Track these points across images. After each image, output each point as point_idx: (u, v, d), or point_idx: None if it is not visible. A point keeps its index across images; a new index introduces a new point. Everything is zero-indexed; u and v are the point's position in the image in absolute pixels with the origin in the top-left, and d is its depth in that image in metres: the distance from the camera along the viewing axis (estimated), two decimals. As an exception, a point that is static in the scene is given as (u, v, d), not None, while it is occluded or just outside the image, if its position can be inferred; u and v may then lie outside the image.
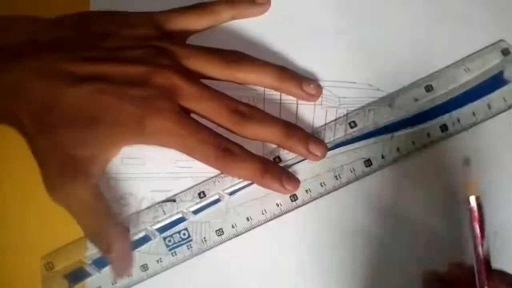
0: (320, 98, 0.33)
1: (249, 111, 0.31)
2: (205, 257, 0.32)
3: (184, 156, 0.32)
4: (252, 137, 0.31)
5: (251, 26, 0.34)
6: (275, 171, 0.31)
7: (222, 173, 0.32)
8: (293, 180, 0.31)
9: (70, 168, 0.28)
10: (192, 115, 0.31)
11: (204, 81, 0.31)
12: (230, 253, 0.32)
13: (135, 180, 0.33)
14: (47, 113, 0.28)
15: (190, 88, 0.30)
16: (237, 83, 0.32)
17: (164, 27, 0.32)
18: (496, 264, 0.28)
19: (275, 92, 0.33)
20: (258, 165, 0.30)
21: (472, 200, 0.28)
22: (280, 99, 0.33)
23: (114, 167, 0.32)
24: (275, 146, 0.32)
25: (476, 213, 0.28)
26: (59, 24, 0.31)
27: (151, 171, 0.33)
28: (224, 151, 0.30)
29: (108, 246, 0.30)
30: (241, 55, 0.32)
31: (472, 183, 0.29)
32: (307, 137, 0.32)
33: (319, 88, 0.33)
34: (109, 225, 0.30)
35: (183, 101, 0.30)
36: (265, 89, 0.33)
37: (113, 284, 0.32)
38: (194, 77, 0.31)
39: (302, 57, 0.34)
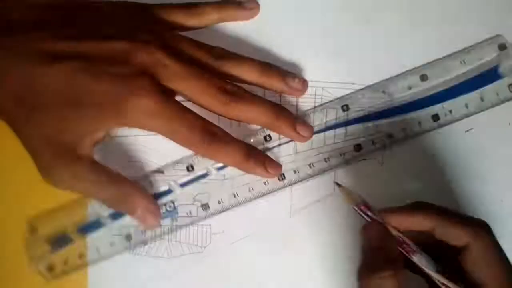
0: (320, 99, 0.33)
1: (238, 91, 0.30)
2: (205, 257, 0.32)
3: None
4: (240, 118, 0.30)
5: (249, 26, 0.34)
6: (258, 157, 0.31)
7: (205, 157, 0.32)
8: (276, 165, 0.31)
9: (61, 153, 0.28)
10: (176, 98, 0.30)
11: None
12: (230, 253, 0.32)
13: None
14: (27, 96, 0.27)
15: (176, 66, 0.28)
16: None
17: (151, 12, 0.31)
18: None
19: (274, 92, 0.33)
20: (242, 150, 0.30)
21: (356, 209, 0.27)
22: (280, 99, 0.33)
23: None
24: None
25: (368, 211, 0.27)
26: (34, 3, 0.29)
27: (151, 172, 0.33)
28: (209, 134, 0.29)
29: (131, 207, 0.30)
30: (225, 50, 0.31)
31: (345, 193, 0.28)
32: (294, 118, 0.31)
33: (304, 82, 0.32)
34: (122, 189, 0.30)
35: (167, 80, 0.28)
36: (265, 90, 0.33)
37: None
38: (180, 54, 0.29)
39: (301, 57, 0.34)
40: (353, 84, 0.33)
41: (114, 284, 0.32)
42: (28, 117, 0.27)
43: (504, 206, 0.32)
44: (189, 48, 0.30)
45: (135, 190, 0.30)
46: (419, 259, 0.26)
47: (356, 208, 0.27)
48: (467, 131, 0.33)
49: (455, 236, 0.25)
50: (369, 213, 0.27)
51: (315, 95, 0.33)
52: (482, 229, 0.25)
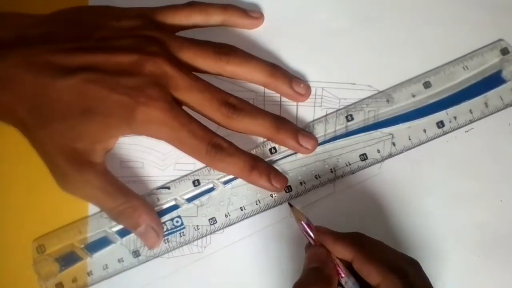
0: (320, 99, 0.33)
1: (240, 104, 0.30)
2: (205, 257, 0.32)
3: (184, 159, 0.32)
4: (242, 130, 0.31)
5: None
6: (262, 168, 0.31)
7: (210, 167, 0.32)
8: (281, 177, 0.31)
9: (76, 160, 0.29)
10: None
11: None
12: (230, 253, 0.32)
13: (134, 184, 0.32)
14: (41, 105, 0.28)
15: (182, 78, 0.29)
16: (227, 77, 0.32)
17: (154, 20, 0.32)
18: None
19: (275, 94, 0.33)
20: (246, 161, 0.30)
21: (304, 226, 0.29)
22: (280, 101, 0.33)
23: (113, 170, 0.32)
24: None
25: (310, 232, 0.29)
26: (48, 19, 0.31)
27: (151, 174, 0.33)
28: (214, 146, 0.29)
29: (136, 221, 0.30)
30: (233, 48, 0.32)
31: (295, 212, 0.29)
32: (296, 130, 0.32)
33: (308, 88, 0.33)
34: (129, 202, 0.30)
35: (174, 91, 0.29)
36: (265, 90, 0.33)
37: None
38: (186, 68, 0.30)
39: (301, 58, 0.34)
40: (353, 84, 0.33)
41: (114, 284, 0.32)
42: (41, 125, 0.29)
43: (504, 206, 0.32)
44: (194, 53, 0.31)
45: (141, 205, 0.31)
46: (346, 284, 0.27)
47: (302, 226, 0.29)
48: (467, 131, 0.33)
49: (367, 274, 0.26)
50: (310, 233, 0.28)
51: (315, 95, 0.33)
52: (392, 271, 0.25)
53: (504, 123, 0.33)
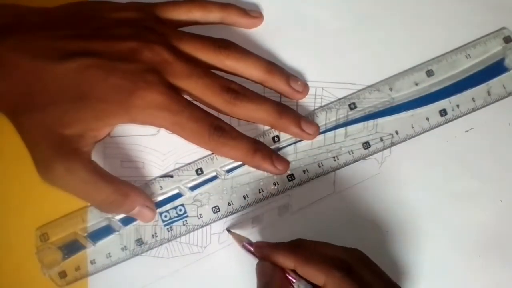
0: (320, 99, 0.33)
1: (242, 90, 0.30)
2: (205, 257, 0.32)
3: (184, 159, 0.32)
4: (244, 116, 0.31)
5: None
6: (265, 151, 0.31)
7: (212, 153, 0.32)
8: (283, 160, 0.31)
9: (61, 147, 0.28)
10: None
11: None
12: (230, 253, 0.32)
13: (135, 183, 0.32)
14: (35, 89, 0.28)
15: (181, 64, 0.29)
16: (226, 71, 0.31)
17: (154, 14, 0.31)
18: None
19: (275, 94, 0.33)
20: (249, 144, 0.30)
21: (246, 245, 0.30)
22: (280, 99, 0.33)
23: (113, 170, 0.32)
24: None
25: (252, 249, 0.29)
26: (48, 9, 0.30)
27: (151, 174, 0.33)
28: (217, 129, 0.29)
29: (129, 207, 0.30)
30: (232, 43, 0.32)
31: (235, 236, 0.31)
32: (299, 116, 0.32)
33: (306, 86, 0.33)
34: (118, 190, 0.29)
35: (173, 77, 0.29)
36: (265, 89, 0.33)
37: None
38: (185, 55, 0.30)
39: (301, 57, 0.34)
40: (353, 84, 0.33)
41: (115, 284, 0.32)
42: (33, 109, 0.28)
43: (504, 206, 0.32)
44: (194, 45, 0.31)
45: (131, 190, 0.30)
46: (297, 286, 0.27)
47: (244, 247, 0.30)
48: (467, 131, 0.33)
49: (312, 276, 0.27)
50: (252, 250, 0.29)
51: (315, 95, 0.33)
52: (334, 267, 0.26)
53: (504, 123, 0.33)
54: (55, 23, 0.30)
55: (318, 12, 0.34)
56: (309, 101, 0.33)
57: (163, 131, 0.32)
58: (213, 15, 0.33)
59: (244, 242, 0.30)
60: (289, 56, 0.34)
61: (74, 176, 0.28)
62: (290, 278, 0.27)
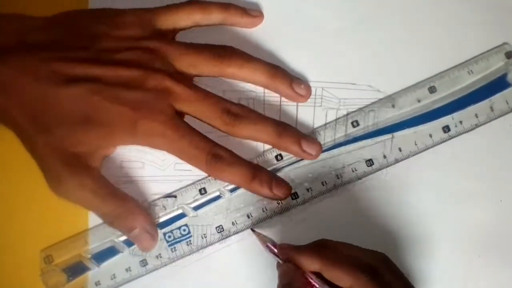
0: (320, 100, 0.33)
1: (242, 111, 0.31)
2: (205, 257, 0.32)
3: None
4: (245, 137, 0.31)
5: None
6: (264, 177, 0.31)
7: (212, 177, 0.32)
8: (283, 186, 0.31)
9: (72, 163, 0.29)
10: (186, 118, 0.31)
11: (198, 79, 0.32)
12: (230, 254, 0.32)
13: (134, 184, 0.32)
14: (40, 112, 0.29)
15: (183, 90, 0.30)
16: (227, 78, 0.32)
17: (154, 24, 0.32)
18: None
19: (275, 94, 0.33)
20: (246, 170, 0.30)
21: (270, 246, 0.29)
22: (280, 101, 0.33)
23: (113, 170, 0.32)
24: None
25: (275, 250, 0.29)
26: (49, 24, 0.31)
27: (151, 174, 0.33)
28: (214, 156, 0.30)
29: (130, 225, 0.30)
30: (232, 50, 0.32)
31: (259, 236, 0.30)
32: (300, 136, 0.32)
33: (309, 89, 0.33)
34: (124, 206, 0.30)
35: (176, 103, 0.30)
36: (265, 90, 0.33)
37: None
38: (187, 79, 0.31)
39: (301, 58, 0.34)
40: (353, 84, 0.33)
41: (114, 284, 0.32)
42: (40, 130, 0.29)
43: (504, 206, 0.32)
44: (194, 59, 0.31)
45: (136, 208, 0.31)
46: None
47: (268, 248, 0.29)
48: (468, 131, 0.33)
49: (338, 278, 0.26)
50: (276, 251, 0.29)
51: (315, 95, 0.33)
52: (360, 270, 0.26)
53: (505, 124, 0.33)
54: (59, 42, 0.30)
55: (318, 12, 0.34)
56: (309, 101, 0.33)
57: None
58: (214, 16, 0.33)
59: (268, 243, 0.29)
60: (289, 56, 0.34)
61: (85, 190, 0.29)
62: (313, 283, 0.27)
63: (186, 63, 0.31)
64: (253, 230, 0.31)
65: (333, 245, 0.28)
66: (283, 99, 0.33)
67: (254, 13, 0.34)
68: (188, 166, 0.32)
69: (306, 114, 0.33)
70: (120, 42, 0.31)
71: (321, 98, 0.33)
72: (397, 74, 0.34)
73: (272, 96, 0.33)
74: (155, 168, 0.33)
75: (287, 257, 0.28)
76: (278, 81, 0.32)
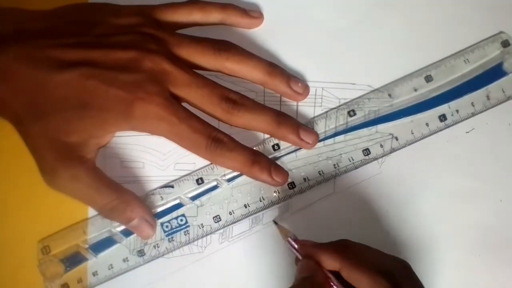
0: (320, 99, 0.33)
1: (240, 99, 0.30)
2: (205, 257, 0.32)
3: (184, 159, 0.32)
4: (243, 125, 0.31)
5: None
6: (263, 162, 0.31)
7: (211, 163, 0.32)
8: (282, 172, 0.31)
9: (65, 155, 0.28)
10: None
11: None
12: (230, 253, 0.32)
13: (134, 184, 0.32)
14: (37, 99, 0.28)
15: (180, 74, 0.29)
16: (226, 73, 0.32)
17: (154, 17, 0.32)
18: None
19: (274, 94, 0.33)
20: (247, 155, 0.30)
21: (290, 241, 0.29)
22: (280, 101, 0.33)
23: (113, 170, 0.32)
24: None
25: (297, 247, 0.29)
26: (46, 15, 0.31)
27: (151, 174, 0.33)
28: (214, 140, 0.29)
29: (129, 216, 0.30)
30: (232, 45, 0.32)
31: (281, 229, 0.30)
32: (297, 125, 0.32)
33: (306, 88, 0.33)
34: (121, 197, 0.30)
35: (173, 87, 0.29)
36: (265, 91, 0.33)
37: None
38: (185, 64, 0.30)
39: (301, 58, 0.34)
40: (353, 84, 0.33)
41: (114, 284, 0.32)
42: (36, 118, 0.28)
43: (504, 206, 0.32)
44: (193, 50, 0.31)
45: (133, 199, 0.30)
46: None
47: (288, 242, 0.29)
48: (468, 131, 0.33)
49: (357, 280, 0.26)
50: (296, 246, 0.29)
51: (315, 95, 0.33)
52: (380, 276, 0.25)
53: (504, 123, 0.33)
54: (55, 30, 0.30)
55: (318, 12, 0.34)
56: (309, 101, 0.33)
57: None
58: (213, 16, 0.33)
59: (289, 237, 0.29)
60: (289, 56, 0.34)
61: (79, 182, 0.29)
62: (333, 285, 0.27)
63: (185, 52, 0.31)
64: (275, 222, 0.31)
65: (355, 246, 0.28)
66: (283, 99, 0.33)
67: (254, 14, 0.34)
68: (188, 166, 0.32)
69: (306, 113, 0.33)
70: (118, 28, 0.30)
71: (321, 98, 0.33)
72: (397, 74, 0.33)
73: (272, 96, 0.33)
74: (155, 168, 0.33)
75: (308, 254, 0.28)
76: (276, 79, 0.32)
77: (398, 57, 0.34)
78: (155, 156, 0.33)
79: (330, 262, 0.27)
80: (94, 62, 0.29)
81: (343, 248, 0.27)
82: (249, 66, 0.31)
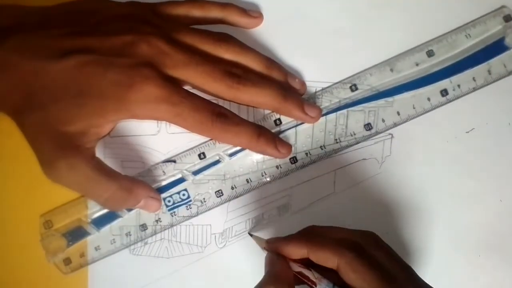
0: (320, 99, 0.33)
1: (244, 74, 0.30)
2: (205, 257, 0.32)
3: (183, 159, 0.32)
4: (248, 101, 0.30)
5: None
6: (268, 136, 0.31)
7: (216, 140, 0.32)
8: (286, 144, 0.31)
9: (63, 144, 0.28)
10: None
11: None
12: (230, 253, 0.32)
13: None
14: (35, 89, 0.28)
15: (178, 54, 0.29)
16: None
17: (152, 11, 0.31)
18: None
19: None
20: (252, 129, 0.30)
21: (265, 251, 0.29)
22: None
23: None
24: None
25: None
26: (46, 9, 0.30)
27: (150, 174, 0.32)
28: (219, 116, 0.29)
29: (132, 203, 0.30)
30: (231, 37, 0.31)
31: (257, 239, 0.30)
32: (302, 100, 0.32)
33: (304, 84, 0.33)
34: (120, 186, 0.29)
35: (172, 68, 0.29)
36: None
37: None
38: (182, 44, 0.29)
39: (301, 58, 0.33)
40: (353, 84, 0.33)
41: (114, 284, 0.32)
42: (33, 108, 0.28)
43: (504, 206, 0.32)
44: (192, 35, 0.30)
45: (134, 183, 0.30)
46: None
47: (265, 250, 0.29)
48: (468, 131, 0.33)
49: (325, 259, 0.26)
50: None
51: (315, 94, 0.33)
52: (346, 248, 0.26)
53: (504, 123, 0.33)
54: (53, 21, 0.29)
55: (317, 12, 0.34)
56: (309, 101, 0.33)
57: (163, 131, 0.33)
58: (213, 14, 0.32)
59: (265, 246, 0.29)
60: (289, 56, 0.33)
61: (77, 173, 0.28)
62: (311, 278, 0.26)
63: (183, 37, 0.30)
64: (250, 235, 0.31)
65: (321, 229, 0.28)
66: None
67: (254, 14, 0.33)
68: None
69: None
70: (113, 17, 0.30)
71: (321, 98, 0.33)
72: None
73: None
74: (155, 168, 0.32)
75: (276, 249, 0.28)
76: (274, 73, 0.32)
77: (399, 57, 0.33)
78: (155, 156, 0.33)
79: (296, 251, 0.27)
80: (90, 49, 0.28)
81: (307, 234, 0.28)
82: (248, 58, 0.31)
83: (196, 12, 0.32)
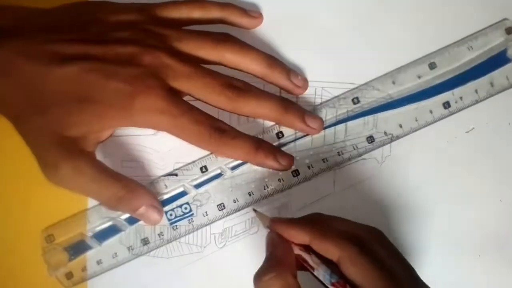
0: (320, 99, 0.33)
1: (244, 86, 0.30)
2: (205, 257, 0.32)
3: (183, 159, 0.32)
4: (248, 113, 0.31)
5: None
6: (267, 148, 0.31)
7: (215, 154, 0.32)
8: (287, 155, 0.31)
9: (66, 148, 0.28)
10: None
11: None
12: (230, 253, 0.32)
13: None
14: (37, 93, 0.28)
15: (181, 67, 0.29)
16: (226, 65, 0.31)
17: (153, 15, 0.31)
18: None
19: (275, 89, 0.33)
20: (250, 142, 0.30)
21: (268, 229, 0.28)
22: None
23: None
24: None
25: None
26: (49, 11, 0.31)
27: (150, 174, 0.33)
28: (217, 129, 0.29)
29: (134, 206, 0.30)
30: (232, 37, 0.32)
31: (260, 216, 0.29)
32: (303, 111, 0.32)
33: (306, 81, 0.33)
34: (125, 187, 0.29)
35: (174, 80, 0.29)
36: (265, 86, 0.33)
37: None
38: (184, 57, 0.30)
39: (301, 58, 0.33)
40: (352, 84, 0.33)
41: (114, 284, 0.32)
42: (35, 112, 0.28)
43: (503, 206, 0.32)
44: (194, 43, 0.31)
45: (138, 187, 0.30)
46: (317, 273, 0.26)
47: (268, 228, 0.28)
48: (468, 131, 0.33)
49: (326, 250, 0.26)
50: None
51: (315, 94, 0.33)
52: (349, 242, 0.25)
53: (504, 123, 0.33)
54: (55, 26, 0.30)
55: (318, 12, 0.34)
56: (309, 101, 0.33)
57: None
58: (213, 14, 0.33)
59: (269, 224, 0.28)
60: (289, 56, 0.34)
61: (82, 175, 0.28)
62: (309, 262, 0.26)
63: (185, 45, 0.30)
64: (255, 210, 0.31)
65: (325, 218, 0.28)
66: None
67: (254, 14, 0.34)
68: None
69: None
70: (116, 25, 0.30)
71: (321, 98, 0.33)
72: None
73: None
74: (155, 168, 0.33)
75: (279, 230, 0.27)
76: (276, 71, 0.32)
77: (399, 57, 0.33)
78: (155, 156, 0.33)
79: (299, 236, 0.27)
80: (94, 56, 0.28)
81: (312, 221, 0.27)
82: (249, 57, 0.31)
83: (197, 12, 0.32)
